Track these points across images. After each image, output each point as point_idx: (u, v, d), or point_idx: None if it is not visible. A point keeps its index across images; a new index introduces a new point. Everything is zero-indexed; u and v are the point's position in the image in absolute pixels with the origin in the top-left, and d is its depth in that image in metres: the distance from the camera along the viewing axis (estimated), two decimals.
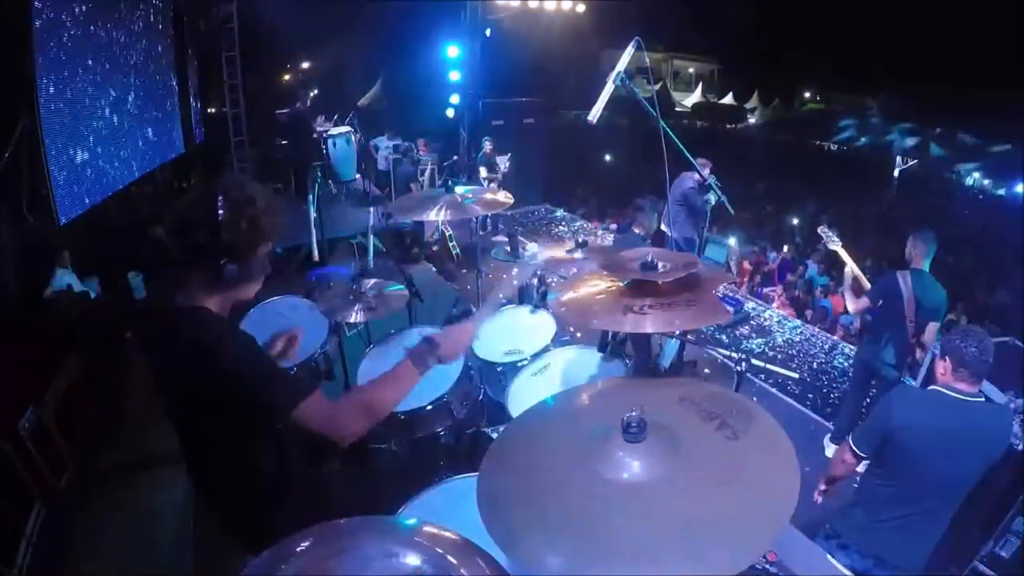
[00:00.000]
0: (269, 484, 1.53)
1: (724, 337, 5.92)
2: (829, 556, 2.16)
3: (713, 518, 1.02)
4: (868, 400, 4.10)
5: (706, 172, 5.78)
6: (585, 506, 1.08)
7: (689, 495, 1.07)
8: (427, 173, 9.34)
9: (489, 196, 3.11)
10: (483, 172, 8.38)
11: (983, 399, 2.14)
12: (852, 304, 3.88)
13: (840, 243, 4.01)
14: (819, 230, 4.24)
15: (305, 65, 15.23)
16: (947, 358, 2.16)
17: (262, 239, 1.47)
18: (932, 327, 3.54)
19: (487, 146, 8.49)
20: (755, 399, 4.45)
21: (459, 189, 2.99)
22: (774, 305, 7.73)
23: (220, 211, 1.39)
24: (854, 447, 2.25)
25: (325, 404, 1.40)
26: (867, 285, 3.80)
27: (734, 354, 1.89)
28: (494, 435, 2.31)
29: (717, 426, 1.21)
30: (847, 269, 3.87)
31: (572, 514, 1.07)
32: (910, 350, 3.64)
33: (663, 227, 4.80)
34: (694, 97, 28.50)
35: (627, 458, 1.13)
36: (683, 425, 1.22)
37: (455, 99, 10.70)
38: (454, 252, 7.53)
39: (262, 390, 1.38)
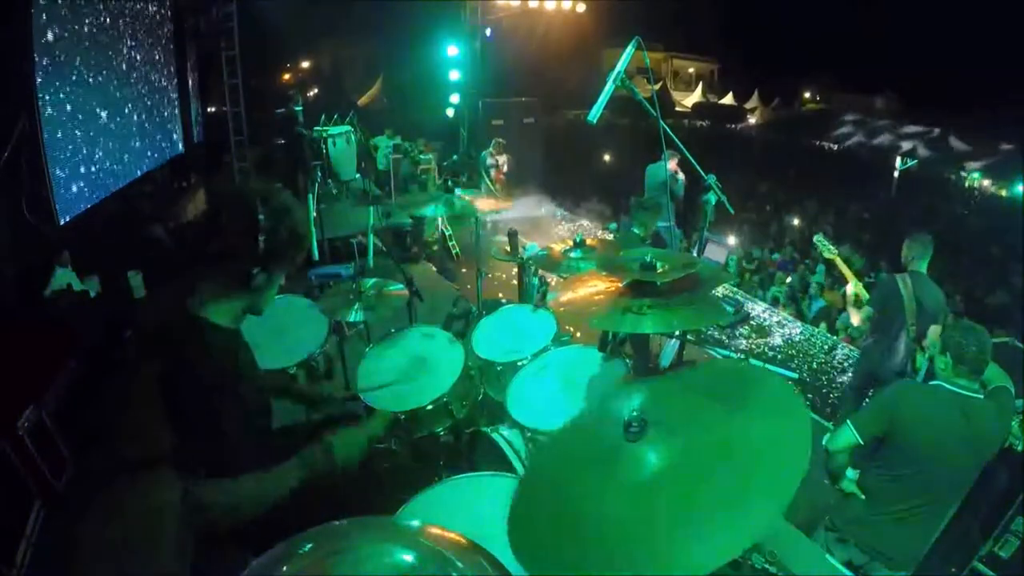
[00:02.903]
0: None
1: (724, 337, 5.93)
2: (828, 555, 2.16)
3: (723, 496, 1.02)
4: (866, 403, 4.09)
5: (674, 163, 5.92)
6: (601, 515, 1.08)
7: (698, 480, 1.07)
8: (429, 173, 9.37)
9: (488, 201, 3.12)
10: (493, 173, 8.40)
11: (982, 395, 2.15)
12: (855, 318, 3.84)
13: (836, 252, 3.97)
14: (815, 239, 4.16)
15: (305, 65, 15.23)
16: (948, 354, 2.18)
17: (296, 249, 1.46)
18: (935, 330, 3.51)
19: (493, 149, 8.50)
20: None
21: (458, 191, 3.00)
22: (774, 306, 7.73)
23: (261, 220, 1.36)
24: (854, 430, 2.23)
25: (223, 490, 1.40)
26: (865, 297, 3.76)
27: (734, 354, 1.89)
28: (494, 435, 2.31)
29: (722, 401, 1.20)
30: (848, 287, 3.83)
31: (593, 528, 1.07)
32: (912, 355, 3.61)
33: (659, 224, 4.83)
34: (694, 97, 28.47)
35: (633, 457, 1.13)
36: (686, 412, 1.21)
37: (455, 99, 10.70)
38: (454, 252, 7.54)
39: (209, 434, 1.39)
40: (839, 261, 3.96)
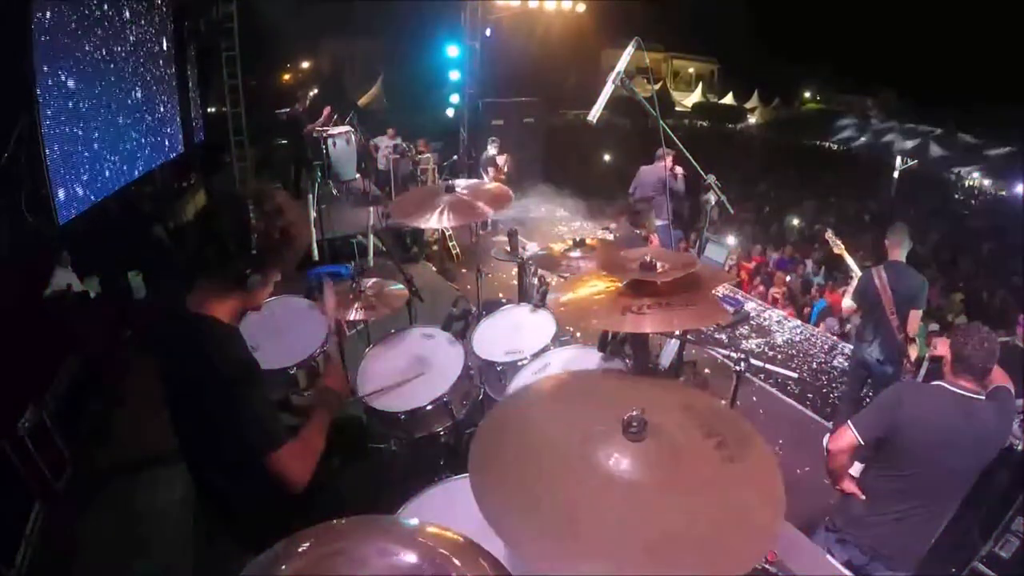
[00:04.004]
0: (268, 485, 1.53)
1: (724, 337, 5.92)
2: (828, 556, 2.16)
3: (690, 532, 1.02)
4: (865, 398, 4.11)
5: (669, 161, 5.91)
6: (575, 496, 1.08)
7: (676, 503, 1.07)
8: (428, 173, 9.36)
9: (491, 185, 3.12)
10: (492, 172, 8.41)
11: (983, 397, 2.15)
12: (845, 307, 4.02)
13: (844, 247, 4.04)
14: (825, 235, 4.24)
15: (305, 65, 15.23)
16: (953, 355, 2.19)
17: (290, 249, 1.48)
18: (915, 315, 3.57)
19: (492, 148, 8.50)
20: (754, 398, 4.44)
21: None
22: (776, 305, 7.72)
23: (253, 221, 1.39)
24: (855, 430, 2.23)
25: (290, 454, 1.44)
26: None
27: (734, 354, 1.89)
28: None
29: (716, 444, 1.20)
30: (853, 280, 3.89)
31: (561, 503, 1.07)
32: (901, 346, 3.64)
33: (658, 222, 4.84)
34: (694, 97, 28.46)
35: (624, 456, 1.13)
36: (683, 434, 1.22)
37: (455, 99, 10.69)
38: (454, 252, 7.53)
39: (244, 424, 1.40)
40: (847, 255, 4.03)
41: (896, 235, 3.66)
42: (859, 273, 3.87)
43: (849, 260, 4.00)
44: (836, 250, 4.08)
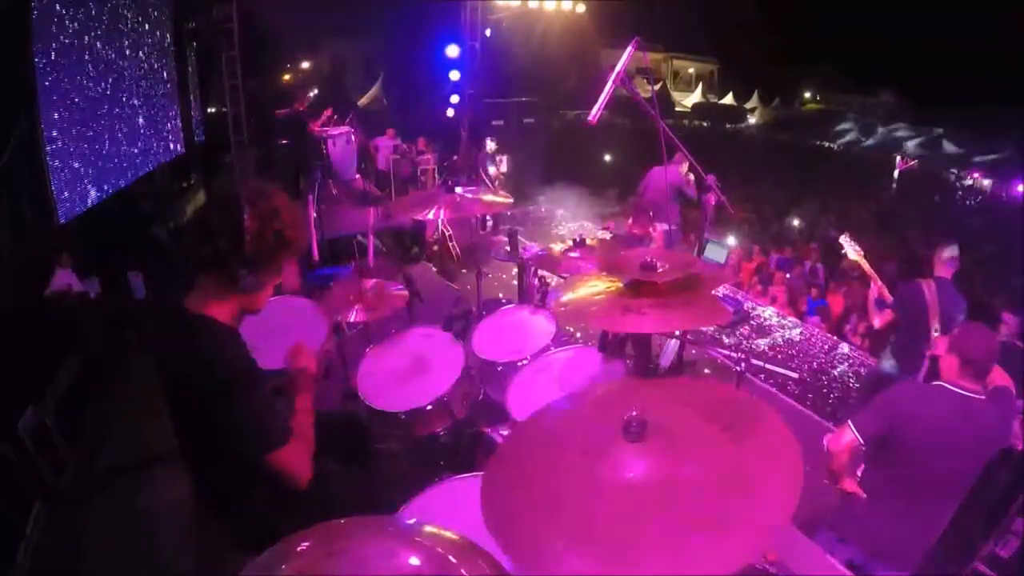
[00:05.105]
0: (268, 484, 1.53)
1: (724, 337, 5.92)
2: (828, 556, 2.16)
3: (705, 520, 1.02)
4: None
5: (684, 167, 5.88)
6: (586, 507, 1.08)
7: (686, 496, 1.07)
8: (428, 173, 9.37)
9: (489, 196, 3.12)
10: (492, 171, 8.42)
11: (983, 397, 2.15)
12: (877, 318, 3.80)
13: (862, 253, 3.90)
14: (840, 239, 4.07)
15: (305, 65, 15.22)
16: (953, 354, 2.18)
17: (286, 251, 1.47)
18: None
19: (490, 148, 8.51)
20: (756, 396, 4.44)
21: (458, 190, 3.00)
22: (776, 305, 7.72)
23: (246, 221, 1.38)
24: (854, 430, 2.22)
25: (292, 453, 1.45)
26: (889, 298, 3.71)
27: (734, 354, 1.89)
28: (494, 436, 2.31)
29: (721, 428, 1.20)
30: (872, 288, 3.79)
31: (574, 515, 1.07)
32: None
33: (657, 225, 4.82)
34: (694, 97, 28.46)
35: (627, 458, 1.12)
36: (686, 426, 1.21)
37: (455, 99, 10.70)
38: (454, 252, 7.53)
39: (243, 424, 1.40)
40: (863, 262, 3.89)
41: (947, 252, 3.52)
42: (878, 280, 3.75)
43: (866, 266, 3.82)
44: (852, 255, 3.89)
